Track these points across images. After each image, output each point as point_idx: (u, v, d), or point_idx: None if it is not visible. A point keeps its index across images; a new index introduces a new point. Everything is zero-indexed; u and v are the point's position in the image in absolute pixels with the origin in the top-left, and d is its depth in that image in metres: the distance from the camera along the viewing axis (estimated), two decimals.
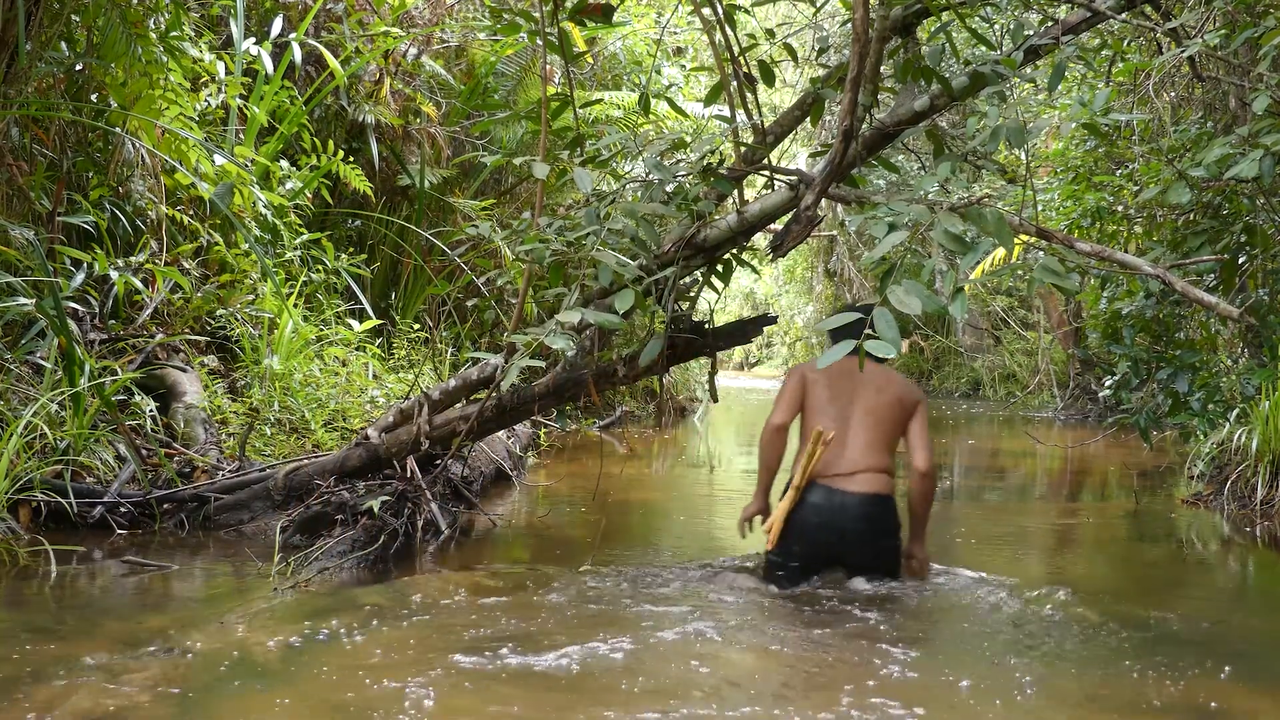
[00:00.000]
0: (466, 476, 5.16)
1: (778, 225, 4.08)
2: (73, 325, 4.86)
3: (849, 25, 3.51)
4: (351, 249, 7.41)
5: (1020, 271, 4.57)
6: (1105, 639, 3.39)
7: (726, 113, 4.14)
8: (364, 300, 6.91)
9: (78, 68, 5.50)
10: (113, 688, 2.59)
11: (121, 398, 4.93)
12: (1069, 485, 7.73)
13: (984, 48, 4.00)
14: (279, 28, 7.23)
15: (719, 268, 4.28)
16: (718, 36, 4.00)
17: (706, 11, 4.13)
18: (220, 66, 6.29)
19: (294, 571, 3.79)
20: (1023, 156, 3.96)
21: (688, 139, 4.44)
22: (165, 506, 4.47)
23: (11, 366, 4.69)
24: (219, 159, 5.90)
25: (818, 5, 4.64)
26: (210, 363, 5.73)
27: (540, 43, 4.12)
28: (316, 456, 4.76)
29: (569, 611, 3.55)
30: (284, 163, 6.85)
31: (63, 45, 5.32)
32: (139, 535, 4.33)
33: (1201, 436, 6.29)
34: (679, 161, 4.55)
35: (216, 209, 5.96)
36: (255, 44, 6.76)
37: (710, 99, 4.20)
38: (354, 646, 3.05)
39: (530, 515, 5.53)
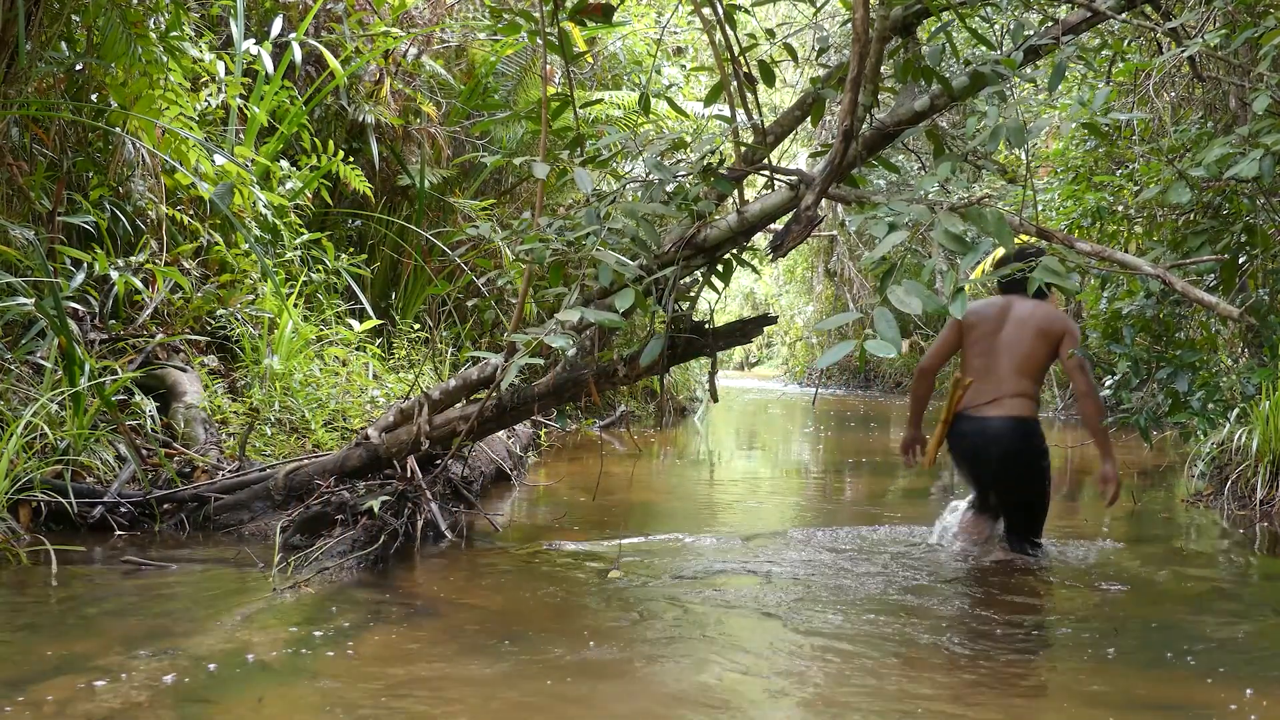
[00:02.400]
0: (466, 476, 5.16)
1: (778, 225, 4.08)
2: (73, 325, 4.86)
3: (849, 25, 3.51)
4: (351, 249, 7.41)
5: (1020, 271, 4.57)
6: (1101, 637, 3.39)
7: (726, 113, 4.14)
8: (364, 300, 6.90)
9: (78, 68, 5.50)
10: (113, 688, 2.59)
11: (121, 398, 4.93)
12: (1069, 485, 7.72)
13: (984, 48, 3.99)
14: (279, 28, 7.23)
15: (719, 268, 4.27)
16: (718, 36, 4.00)
17: (706, 11, 4.13)
18: (220, 66, 6.29)
19: (294, 571, 3.79)
20: (1023, 156, 3.96)
21: (688, 139, 4.44)
22: (165, 506, 4.47)
23: (11, 366, 4.69)
24: (219, 159, 5.90)
25: (818, 5, 4.64)
26: (210, 363, 5.73)
27: (540, 43, 4.12)
28: (316, 456, 4.76)
29: (570, 610, 3.55)
30: (284, 163, 6.85)
31: (63, 45, 5.32)
32: (139, 535, 4.33)
33: (1201, 436, 6.28)
34: (679, 161, 4.54)
35: (216, 209, 5.96)
36: (255, 44, 6.76)
37: (710, 99, 4.20)
38: (354, 647, 3.05)
39: (531, 515, 5.53)
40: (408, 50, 8.01)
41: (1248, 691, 2.85)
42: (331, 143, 7.01)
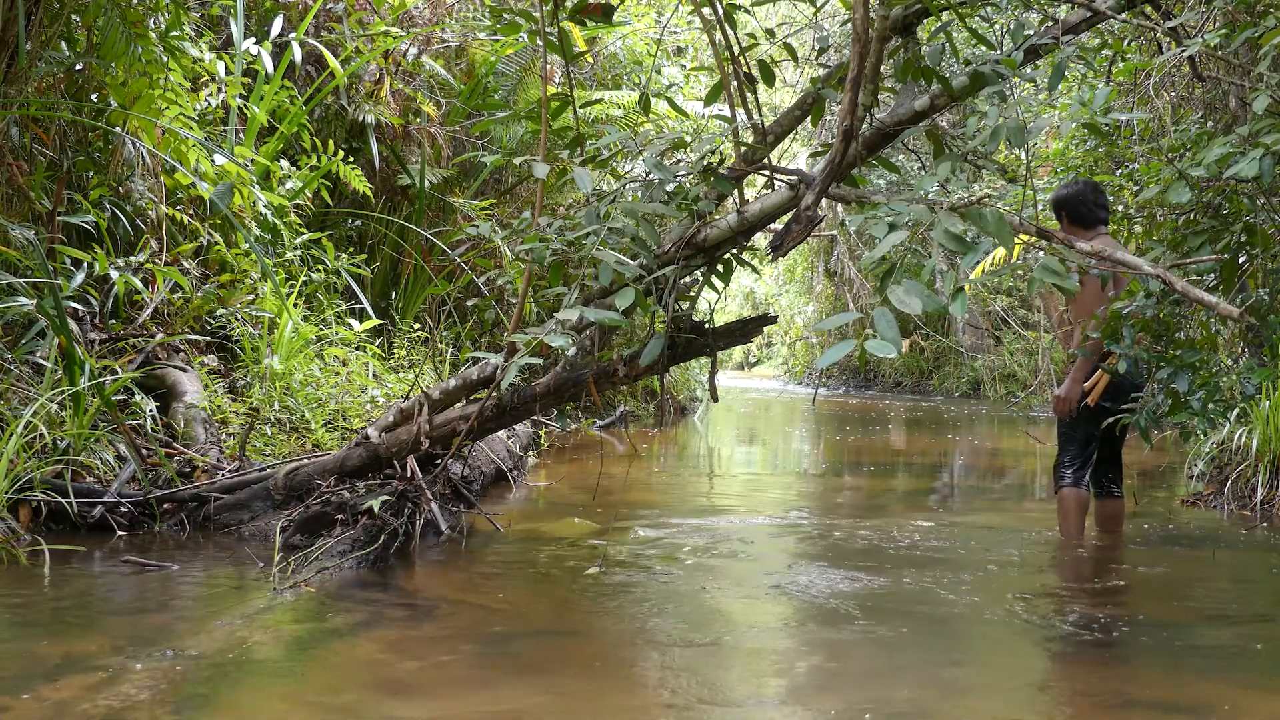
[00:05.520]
0: (466, 476, 5.16)
1: (778, 225, 4.08)
2: (73, 325, 4.86)
3: (849, 25, 3.51)
4: (351, 249, 7.41)
5: (1020, 271, 4.58)
6: (1100, 637, 3.39)
7: (726, 113, 4.14)
8: (364, 300, 6.91)
9: (78, 68, 5.50)
10: (113, 688, 2.59)
11: (121, 398, 4.93)
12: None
13: (984, 48, 3.99)
14: (279, 27, 7.23)
15: (719, 267, 4.27)
16: (718, 36, 4.00)
17: (706, 11, 4.13)
18: (220, 66, 6.29)
19: (294, 571, 3.79)
20: (1023, 156, 3.95)
21: (688, 139, 4.44)
22: (165, 506, 4.47)
23: (11, 366, 4.69)
24: (219, 159, 5.90)
25: (818, 5, 4.63)
26: (210, 363, 5.73)
27: (540, 43, 4.12)
28: (316, 456, 4.76)
29: (571, 610, 3.55)
30: (284, 163, 6.85)
31: (63, 45, 5.32)
32: (139, 535, 4.33)
33: (1201, 436, 6.28)
34: (679, 161, 4.54)
35: (216, 209, 5.96)
36: (255, 44, 6.76)
37: (710, 99, 4.19)
38: (354, 646, 3.05)
39: (531, 515, 5.53)
40: (408, 50, 8.01)
41: (1247, 692, 2.85)
42: (331, 143, 7.01)
